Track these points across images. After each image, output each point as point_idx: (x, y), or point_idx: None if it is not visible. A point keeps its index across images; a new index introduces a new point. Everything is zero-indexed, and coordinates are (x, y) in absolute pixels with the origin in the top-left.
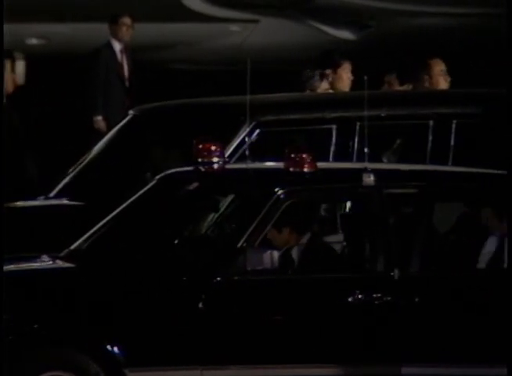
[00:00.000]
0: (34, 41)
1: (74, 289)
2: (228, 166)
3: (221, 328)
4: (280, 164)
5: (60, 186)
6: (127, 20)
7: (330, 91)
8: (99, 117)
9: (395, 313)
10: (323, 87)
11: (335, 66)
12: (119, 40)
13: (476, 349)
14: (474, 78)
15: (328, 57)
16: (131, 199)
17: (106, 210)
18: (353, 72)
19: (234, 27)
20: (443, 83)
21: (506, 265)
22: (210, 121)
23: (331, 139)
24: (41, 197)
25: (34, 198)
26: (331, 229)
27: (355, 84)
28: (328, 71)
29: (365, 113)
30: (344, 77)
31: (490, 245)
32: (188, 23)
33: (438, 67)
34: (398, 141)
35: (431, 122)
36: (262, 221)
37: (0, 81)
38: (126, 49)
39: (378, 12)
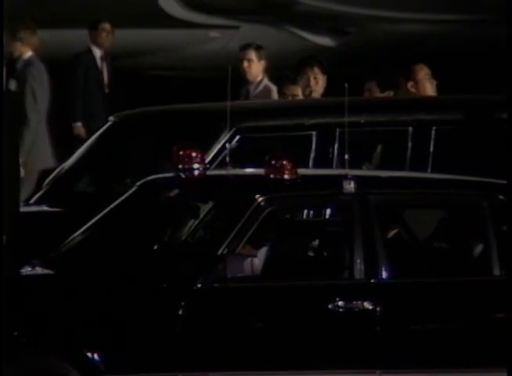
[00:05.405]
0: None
1: (53, 296)
2: (208, 173)
3: (201, 335)
4: (261, 171)
5: (40, 192)
6: (107, 26)
7: (300, 96)
8: (79, 124)
9: (376, 320)
10: (292, 92)
11: (304, 71)
12: (99, 46)
13: (457, 356)
14: (455, 84)
15: (300, 62)
16: (111, 205)
17: (86, 216)
18: (332, 78)
19: (214, 34)
20: (429, 87)
21: (491, 271)
22: (191, 127)
23: (311, 146)
24: (21, 203)
25: None
26: (312, 236)
27: (335, 90)
28: (299, 76)
29: (346, 119)
30: (312, 83)
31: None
32: (168, 29)
33: (423, 72)
34: (378, 148)
35: (411, 129)
36: (243, 228)
37: (0, 78)
38: (106, 55)
39: (358, 18)
